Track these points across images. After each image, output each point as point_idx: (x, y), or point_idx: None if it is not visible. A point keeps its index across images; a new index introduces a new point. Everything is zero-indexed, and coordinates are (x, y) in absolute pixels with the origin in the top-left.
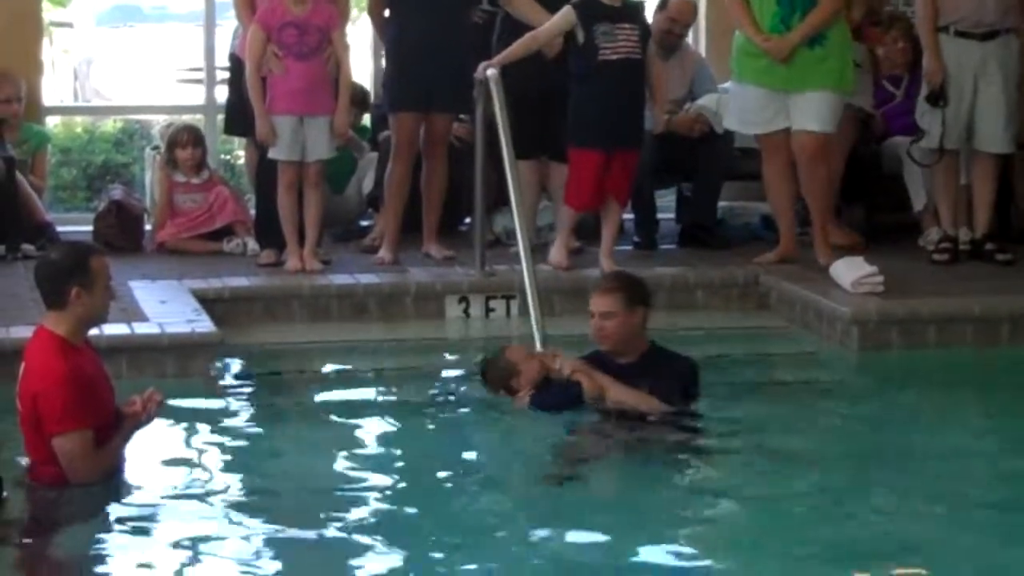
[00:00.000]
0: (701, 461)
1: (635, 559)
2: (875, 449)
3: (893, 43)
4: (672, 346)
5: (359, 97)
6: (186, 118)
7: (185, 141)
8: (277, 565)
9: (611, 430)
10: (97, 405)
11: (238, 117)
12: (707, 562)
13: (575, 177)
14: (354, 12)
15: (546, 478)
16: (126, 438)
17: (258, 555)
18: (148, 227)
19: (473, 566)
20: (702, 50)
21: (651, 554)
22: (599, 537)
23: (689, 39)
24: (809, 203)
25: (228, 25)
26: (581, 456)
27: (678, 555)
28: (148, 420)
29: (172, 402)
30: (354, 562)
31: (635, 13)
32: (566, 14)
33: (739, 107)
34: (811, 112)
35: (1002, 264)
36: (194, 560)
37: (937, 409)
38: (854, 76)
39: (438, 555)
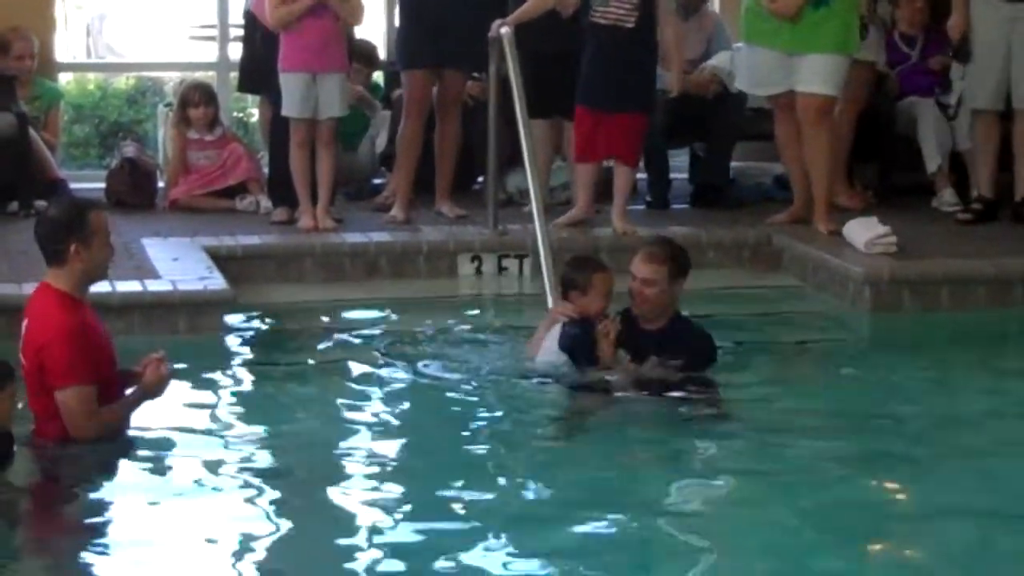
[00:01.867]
0: (710, 421)
1: (637, 511)
2: (886, 410)
3: (910, 3)
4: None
5: (368, 54)
6: (199, 75)
7: (198, 100)
8: (286, 524)
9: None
10: (100, 361)
11: (252, 74)
12: (710, 522)
13: (573, 130)
14: None
15: (554, 426)
16: (133, 405)
17: (265, 514)
18: (161, 184)
19: (481, 522)
20: (716, 9)
21: (651, 511)
22: (602, 490)
23: None
24: (811, 168)
25: None
26: (587, 410)
27: (680, 514)
28: (159, 391)
29: (184, 360)
30: (363, 518)
31: None
32: None
33: (748, 68)
34: (815, 74)
35: None
36: (200, 518)
37: (949, 370)
38: (859, 36)
39: (447, 509)
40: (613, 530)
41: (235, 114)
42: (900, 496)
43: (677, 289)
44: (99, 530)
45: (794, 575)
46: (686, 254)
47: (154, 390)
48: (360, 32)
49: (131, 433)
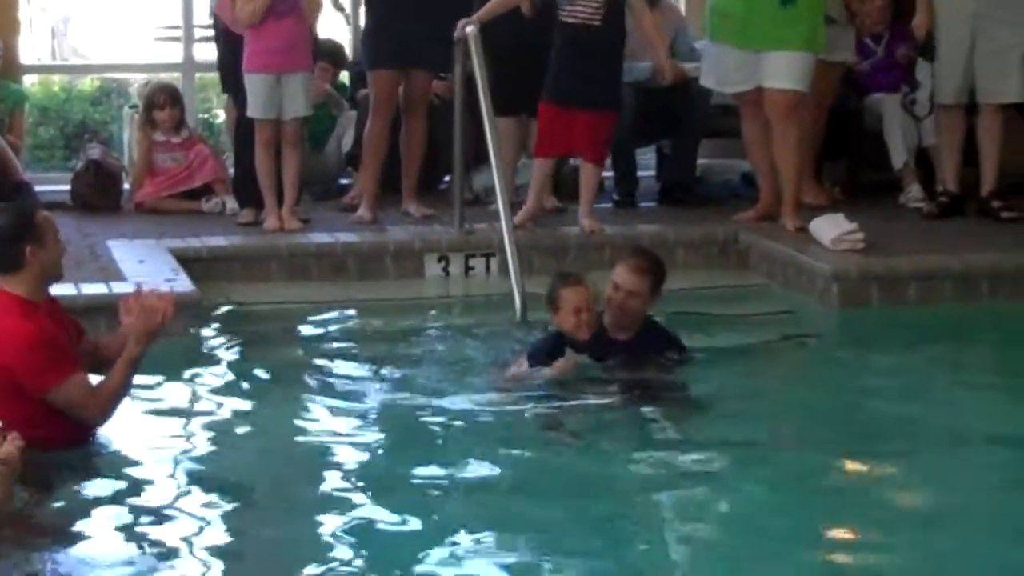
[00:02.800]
0: (680, 420)
1: (612, 519)
2: (856, 406)
3: (872, 0)
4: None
5: (334, 53)
6: (164, 76)
7: (163, 102)
8: (249, 529)
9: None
10: (70, 362)
11: (226, 74)
12: (682, 524)
13: (538, 128)
14: None
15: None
16: (128, 362)
17: (229, 518)
18: (126, 186)
19: (461, 528)
20: (682, 7)
21: (628, 518)
22: (573, 495)
23: None
24: (779, 165)
25: None
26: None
27: (654, 518)
28: (149, 332)
29: (150, 362)
30: (329, 523)
31: None
32: None
33: (714, 66)
34: (783, 71)
35: (1006, 221)
36: (164, 522)
37: (917, 365)
38: (826, 34)
39: (418, 514)
40: (589, 541)
41: (200, 115)
42: (873, 491)
43: (654, 302)
44: (66, 535)
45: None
46: (664, 267)
47: (143, 334)
48: (326, 32)
49: (98, 436)
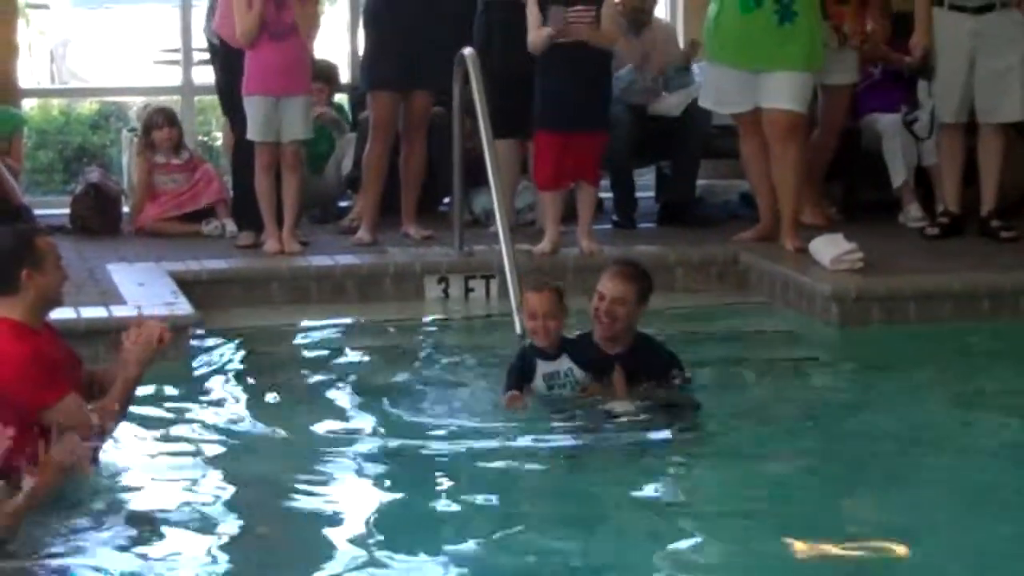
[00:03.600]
0: (681, 439)
1: (613, 539)
2: (856, 426)
3: (875, 20)
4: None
5: (327, 74)
6: (163, 99)
7: (160, 122)
8: (255, 548)
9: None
10: (67, 385)
11: (225, 97)
12: (680, 539)
13: (536, 157)
14: None
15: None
16: (125, 386)
17: (227, 543)
18: (126, 209)
19: (463, 546)
20: (679, 29)
21: (619, 531)
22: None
23: (665, 15)
24: (778, 185)
25: (204, 5)
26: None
27: (652, 532)
28: (143, 359)
29: (150, 385)
30: (333, 544)
31: None
32: (531, 4)
33: (713, 87)
34: (781, 91)
35: (1007, 241)
36: (161, 545)
37: (917, 385)
38: (830, 56)
39: (421, 535)
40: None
41: (200, 138)
42: (873, 511)
43: (641, 311)
44: (61, 559)
45: None
46: (650, 276)
47: (142, 357)
48: (326, 54)
49: (98, 461)
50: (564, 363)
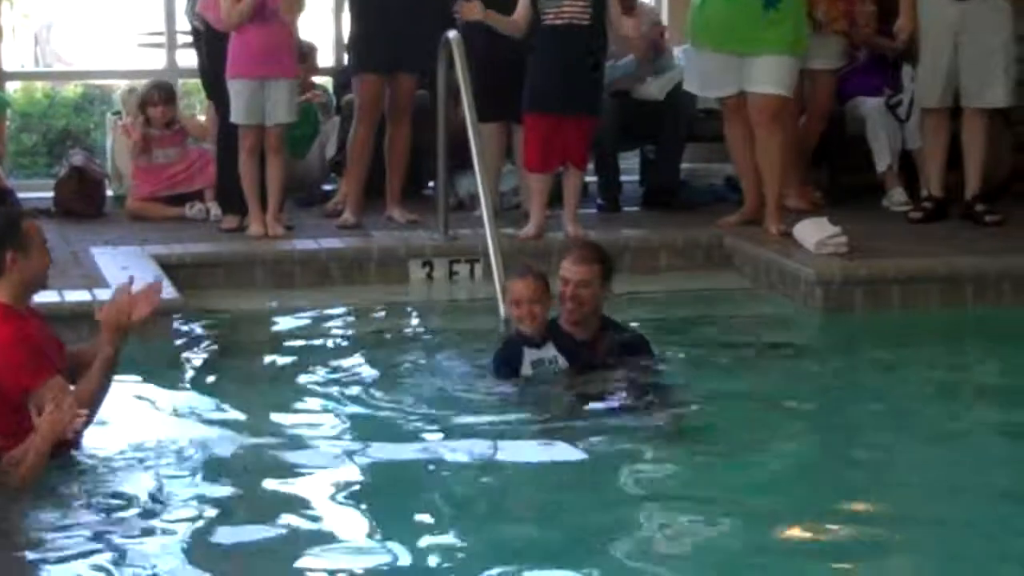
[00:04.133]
0: (664, 423)
1: (596, 537)
2: (841, 410)
3: (861, 3)
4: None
5: (305, 54)
6: (146, 82)
7: (156, 99)
8: (237, 535)
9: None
10: (51, 366)
11: (209, 80)
12: (662, 530)
13: (526, 140)
14: None
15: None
16: (105, 365)
17: (209, 528)
18: (110, 192)
19: (450, 535)
20: (664, 14)
21: (609, 537)
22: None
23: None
24: (763, 169)
25: None
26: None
27: (631, 520)
28: (117, 330)
29: (134, 368)
30: (313, 530)
31: None
32: None
33: (697, 71)
34: (766, 75)
35: (990, 225)
36: (144, 531)
37: (902, 369)
38: (815, 41)
39: (400, 521)
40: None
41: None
42: (860, 498)
43: (604, 292)
44: (45, 542)
45: None
46: (611, 258)
47: (114, 332)
48: (310, 36)
49: (81, 446)
50: (549, 351)
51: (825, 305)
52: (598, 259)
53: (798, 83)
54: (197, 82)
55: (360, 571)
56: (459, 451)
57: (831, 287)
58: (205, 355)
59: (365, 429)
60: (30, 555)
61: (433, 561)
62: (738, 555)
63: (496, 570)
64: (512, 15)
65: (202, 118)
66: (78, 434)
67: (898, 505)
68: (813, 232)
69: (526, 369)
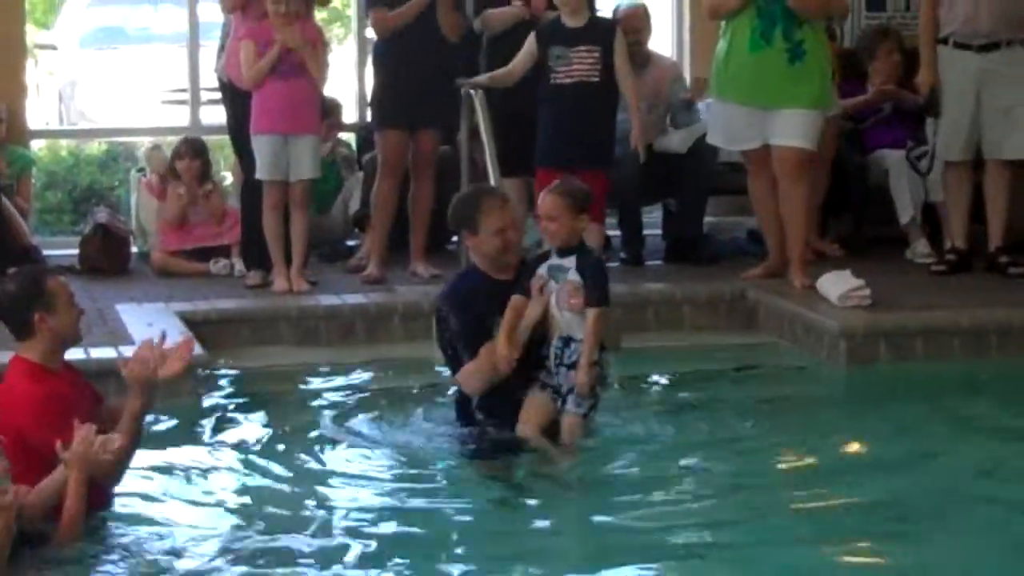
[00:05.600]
0: (688, 477)
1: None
2: (863, 463)
3: (888, 56)
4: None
5: (329, 109)
6: (171, 140)
7: (183, 152)
8: None
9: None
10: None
11: (234, 136)
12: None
13: (538, 193)
14: (340, 32)
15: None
16: (134, 416)
17: None
18: (134, 249)
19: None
20: (685, 66)
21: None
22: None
23: (671, 54)
24: (787, 222)
25: (212, 46)
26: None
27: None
28: (146, 383)
29: (159, 425)
30: None
31: (599, 33)
32: (529, 42)
33: (721, 124)
34: (791, 129)
35: (1015, 277)
36: None
37: (925, 422)
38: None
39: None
40: None
41: None
42: (875, 553)
43: (580, 225)
44: None
45: None
46: (584, 192)
47: (142, 386)
48: (331, 92)
49: (111, 502)
50: (568, 262)
51: (849, 357)
52: (564, 192)
53: None
54: (221, 139)
55: None
56: (482, 507)
57: (855, 340)
58: (230, 411)
59: (389, 488)
60: None
61: None
62: None
63: None
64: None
65: (227, 175)
66: (108, 495)
67: (922, 554)
68: (837, 285)
69: (542, 270)
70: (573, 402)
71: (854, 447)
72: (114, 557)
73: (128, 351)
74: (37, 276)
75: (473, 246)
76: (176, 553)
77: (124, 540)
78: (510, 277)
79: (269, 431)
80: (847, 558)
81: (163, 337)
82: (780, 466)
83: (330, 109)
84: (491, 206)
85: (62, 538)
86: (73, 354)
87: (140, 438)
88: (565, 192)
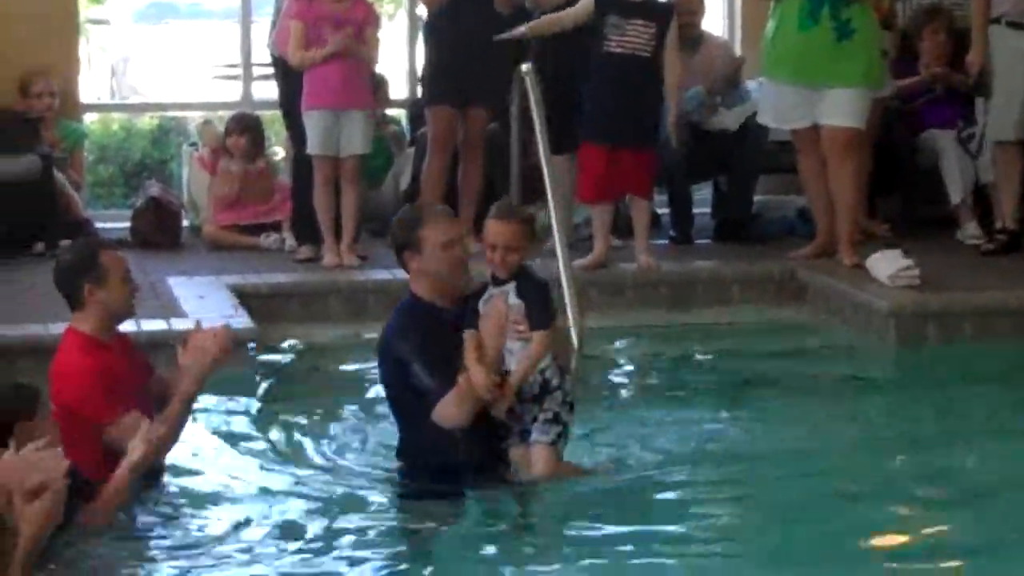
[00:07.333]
0: (734, 457)
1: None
2: (911, 443)
3: (933, 35)
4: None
5: (376, 85)
6: (222, 115)
7: (232, 128)
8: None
9: None
10: (132, 399)
11: (285, 111)
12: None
13: (581, 170)
14: (391, 8)
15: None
16: (184, 399)
17: (286, 556)
18: (186, 223)
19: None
20: (737, 46)
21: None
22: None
23: (723, 33)
24: (836, 201)
25: (264, 21)
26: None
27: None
28: (202, 367)
29: (209, 398)
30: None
31: (656, 11)
32: (587, 3)
33: (771, 103)
34: (840, 108)
35: None
36: (212, 561)
37: (973, 403)
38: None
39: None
40: None
41: None
42: (923, 531)
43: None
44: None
45: None
46: (532, 216)
47: (197, 373)
48: (385, 70)
49: (161, 476)
50: (506, 288)
51: (898, 338)
52: (522, 219)
53: None
54: (273, 114)
55: None
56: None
57: (904, 320)
58: (279, 385)
59: None
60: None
61: None
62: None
63: None
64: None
65: (279, 150)
66: (157, 468)
67: (962, 536)
68: (886, 265)
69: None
70: (539, 430)
71: (902, 426)
72: (158, 529)
73: (179, 324)
74: (92, 249)
75: (417, 269)
76: (219, 527)
77: (169, 512)
78: (451, 305)
79: (317, 404)
80: (891, 538)
81: (198, 325)
82: (826, 444)
83: (376, 86)
84: (435, 219)
85: (97, 515)
86: (125, 326)
87: (188, 418)
88: (526, 220)
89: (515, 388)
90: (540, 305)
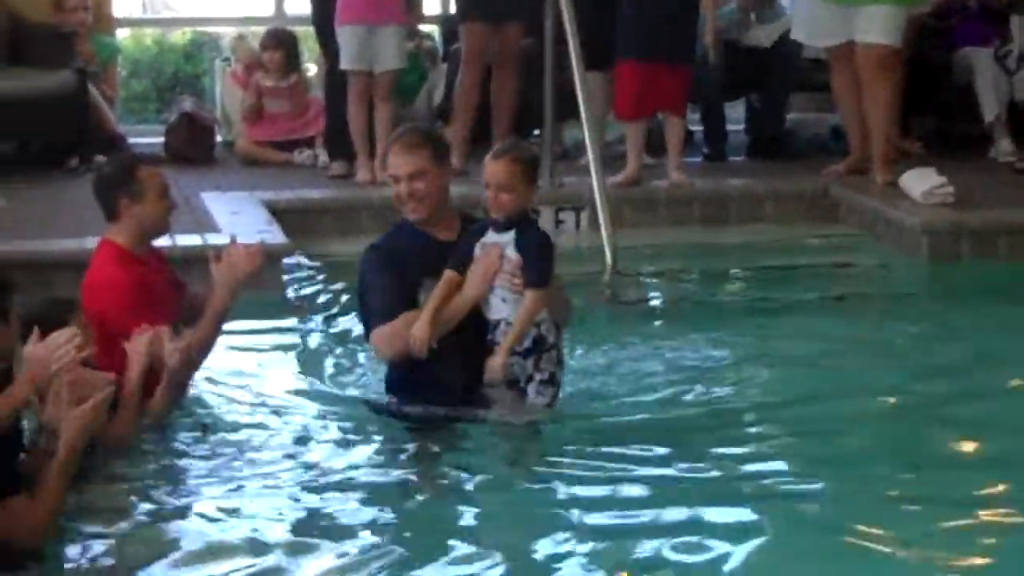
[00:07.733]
0: (764, 370)
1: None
2: (945, 360)
3: None
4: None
5: (411, 1)
6: (255, 30)
7: (267, 43)
8: (332, 498)
9: None
10: (163, 313)
11: (319, 27)
12: (754, 480)
13: (618, 87)
14: None
15: None
16: (215, 316)
17: (304, 479)
18: (219, 138)
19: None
20: None
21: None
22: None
23: None
24: (870, 118)
25: None
26: None
27: (724, 478)
28: (235, 280)
29: (243, 313)
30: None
31: None
32: None
33: (805, 20)
34: (875, 25)
35: None
36: (248, 480)
37: (1007, 319)
38: None
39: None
40: None
41: None
42: (958, 448)
43: (531, 197)
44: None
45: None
46: (536, 158)
47: (229, 288)
48: None
49: (186, 393)
50: (506, 238)
51: (931, 255)
52: (519, 158)
53: None
54: (306, 30)
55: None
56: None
57: (937, 237)
58: (313, 300)
59: None
60: (135, 500)
61: None
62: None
63: None
64: None
65: (312, 66)
66: (186, 383)
67: (997, 455)
68: (920, 182)
69: (477, 249)
70: (535, 391)
71: (936, 344)
72: (184, 448)
73: (214, 239)
74: (130, 163)
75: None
76: (246, 445)
77: (192, 436)
78: (453, 237)
79: (350, 320)
80: (922, 460)
81: (233, 241)
82: (857, 365)
83: (410, 1)
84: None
85: (153, 419)
86: (159, 241)
87: (220, 333)
88: (519, 159)
89: (507, 352)
90: (537, 263)
